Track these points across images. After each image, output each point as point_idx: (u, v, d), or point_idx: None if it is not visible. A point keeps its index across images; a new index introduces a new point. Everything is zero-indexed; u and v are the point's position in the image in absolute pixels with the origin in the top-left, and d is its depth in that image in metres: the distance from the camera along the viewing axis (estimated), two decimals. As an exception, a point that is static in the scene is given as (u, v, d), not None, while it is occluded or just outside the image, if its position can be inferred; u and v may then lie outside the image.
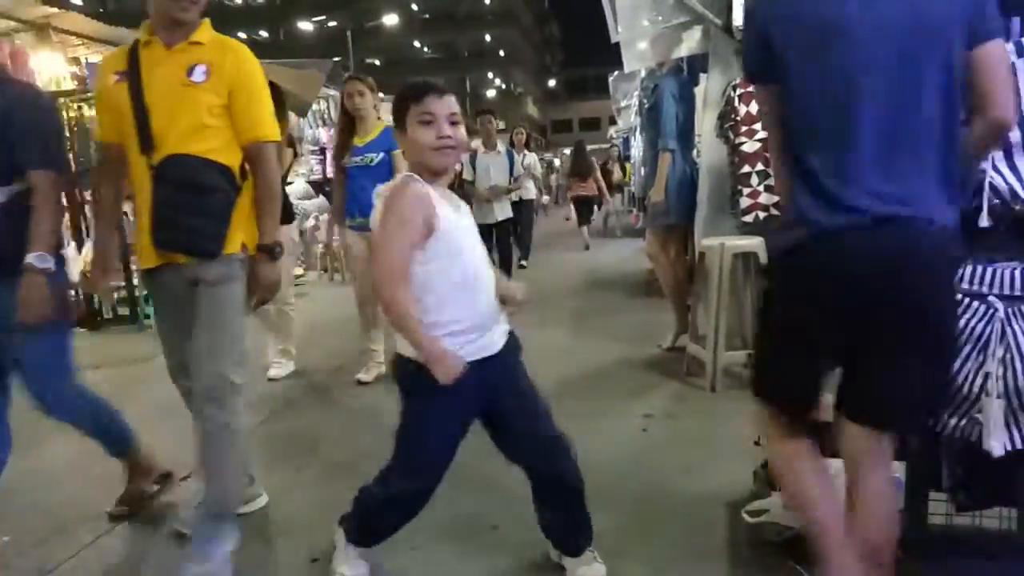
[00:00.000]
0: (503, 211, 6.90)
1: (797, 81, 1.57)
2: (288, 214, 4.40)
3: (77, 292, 6.57)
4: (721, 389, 3.86)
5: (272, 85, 4.22)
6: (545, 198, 17.51)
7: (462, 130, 1.94)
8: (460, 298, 1.89)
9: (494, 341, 1.97)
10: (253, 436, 3.57)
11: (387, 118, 5.74)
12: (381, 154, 4.19)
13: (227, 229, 2.23)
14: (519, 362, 2.08)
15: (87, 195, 6.60)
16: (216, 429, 2.23)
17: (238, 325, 2.31)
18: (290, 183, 7.77)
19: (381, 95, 4.43)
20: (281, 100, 4.26)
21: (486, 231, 6.80)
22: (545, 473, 2.11)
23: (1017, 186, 1.60)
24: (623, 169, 15.70)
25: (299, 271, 8.25)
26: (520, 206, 8.35)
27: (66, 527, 2.68)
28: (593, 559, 2.18)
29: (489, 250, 6.89)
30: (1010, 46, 1.61)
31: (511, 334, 2.05)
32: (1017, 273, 1.65)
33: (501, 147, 7.09)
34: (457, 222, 1.92)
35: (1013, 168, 1.61)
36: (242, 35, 50.40)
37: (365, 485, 2.09)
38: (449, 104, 1.92)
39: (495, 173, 6.84)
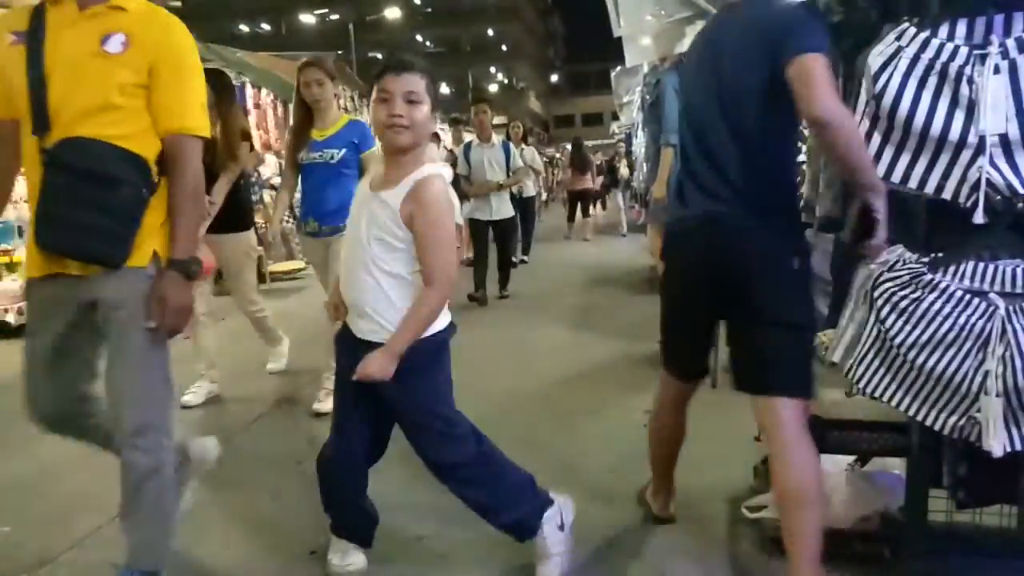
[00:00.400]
0: (503, 209, 6.58)
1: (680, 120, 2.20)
2: (247, 219, 4.16)
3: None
4: (722, 385, 3.84)
5: (218, 73, 4.00)
6: (544, 194, 17.44)
7: (421, 109, 1.89)
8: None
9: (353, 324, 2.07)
10: (251, 430, 3.59)
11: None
12: (343, 150, 3.64)
13: (134, 233, 1.82)
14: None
15: None
16: (142, 477, 1.92)
17: (160, 356, 1.92)
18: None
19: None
20: (228, 88, 3.99)
21: (483, 227, 6.59)
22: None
23: (1016, 183, 1.59)
24: (629, 166, 15.67)
25: (300, 264, 8.23)
26: (521, 203, 8.27)
27: (65, 518, 2.68)
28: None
29: (486, 247, 6.36)
30: (1011, 42, 1.60)
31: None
32: (1019, 271, 1.64)
33: (496, 139, 6.64)
34: (359, 190, 2.06)
35: (1012, 165, 1.60)
36: (244, 28, 50.62)
37: None
38: (407, 82, 1.87)
39: (490, 167, 6.45)
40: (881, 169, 1.70)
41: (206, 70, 3.83)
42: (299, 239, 4.16)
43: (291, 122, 3.98)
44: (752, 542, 2.31)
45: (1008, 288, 1.64)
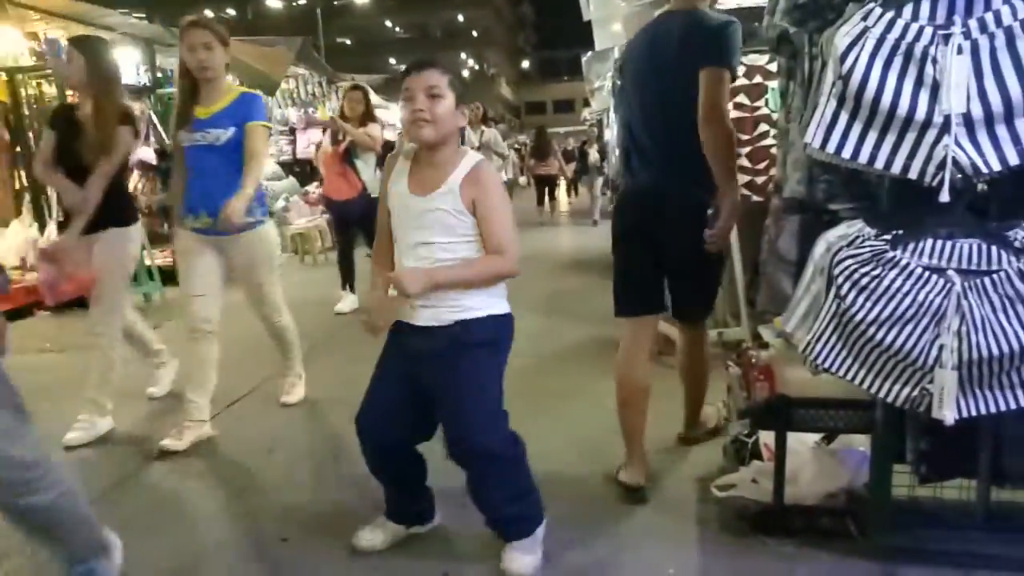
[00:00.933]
0: None
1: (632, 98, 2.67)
2: (129, 212, 3.43)
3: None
4: (692, 367, 3.89)
5: (95, 41, 3.14)
6: (523, 179, 17.37)
7: (443, 103, 1.94)
8: (396, 258, 2.12)
9: (412, 316, 2.07)
10: (222, 419, 3.54)
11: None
12: (231, 129, 3.06)
13: None
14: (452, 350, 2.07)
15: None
16: (40, 515, 1.83)
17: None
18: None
19: (298, 69, 3.83)
20: (101, 60, 3.20)
21: None
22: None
23: (979, 160, 1.61)
24: (600, 151, 15.67)
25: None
26: None
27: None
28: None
29: None
30: (973, 22, 1.62)
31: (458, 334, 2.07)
32: (975, 247, 1.68)
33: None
34: (400, 194, 2.07)
35: (975, 143, 1.63)
36: (208, 12, 49.63)
37: None
38: (427, 78, 1.94)
39: None
40: (848, 149, 1.72)
41: (78, 37, 3.51)
42: (176, 232, 3.27)
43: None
44: (721, 520, 2.34)
45: (964, 265, 1.68)
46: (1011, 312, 1.63)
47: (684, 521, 2.38)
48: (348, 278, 5.91)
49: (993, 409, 1.70)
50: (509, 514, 2.11)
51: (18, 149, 6.45)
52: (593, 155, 13.39)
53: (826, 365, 1.82)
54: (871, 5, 1.70)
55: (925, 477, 2.10)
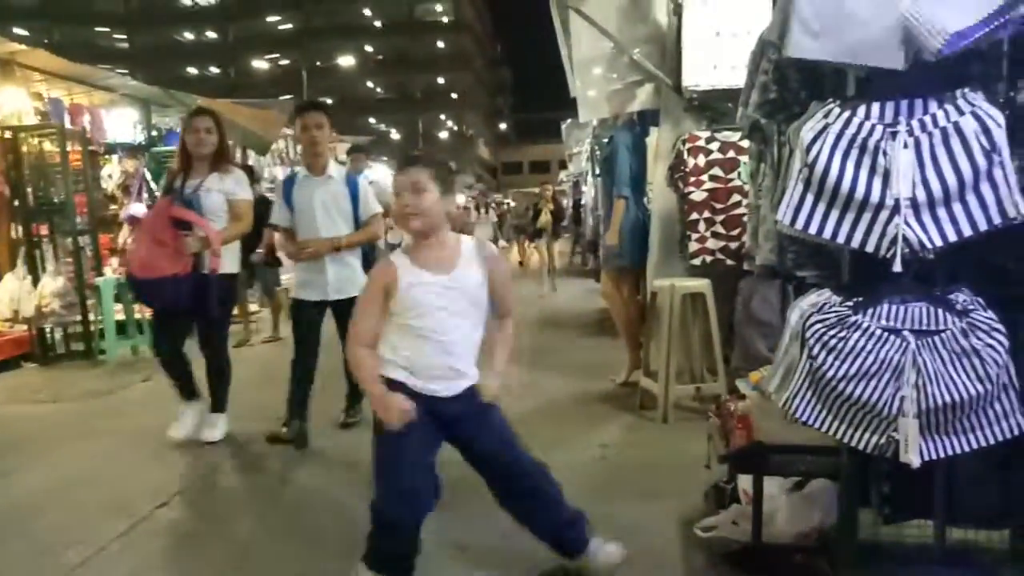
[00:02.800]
0: (346, 282, 3.96)
1: None
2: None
3: (29, 327, 6.53)
4: (672, 421, 4.11)
5: None
6: (502, 242, 17.52)
7: (427, 197, 2.19)
8: (415, 343, 2.25)
9: (448, 387, 2.30)
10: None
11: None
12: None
13: None
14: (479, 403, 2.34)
15: (43, 229, 6.60)
16: None
17: None
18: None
19: (287, 131, 4.42)
20: None
21: (313, 314, 4.03)
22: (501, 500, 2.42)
23: (924, 237, 1.89)
24: (576, 212, 16.06)
25: (254, 307, 8.23)
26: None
27: (52, 551, 2.74)
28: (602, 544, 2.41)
29: (317, 343, 4.02)
30: (915, 122, 1.92)
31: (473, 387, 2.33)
32: (924, 310, 1.94)
33: (335, 169, 4.09)
34: (424, 283, 2.24)
35: (920, 222, 1.91)
36: (192, 71, 50.43)
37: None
38: (412, 175, 2.21)
39: (324, 213, 3.94)
40: (814, 226, 1.99)
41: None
42: None
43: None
44: (704, 560, 2.53)
45: (917, 326, 1.94)
46: (959, 365, 1.88)
47: (670, 560, 2.57)
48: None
49: (952, 452, 1.94)
50: (565, 519, 2.40)
51: (16, 203, 6.59)
52: (544, 217, 12.42)
53: (804, 418, 2.05)
54: (831, 105, 2.00)
55: (888, 518, 2.33)
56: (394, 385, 2.24)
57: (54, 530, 2.91)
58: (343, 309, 3.77)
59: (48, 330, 6.61)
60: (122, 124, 8.29)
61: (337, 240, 3.91)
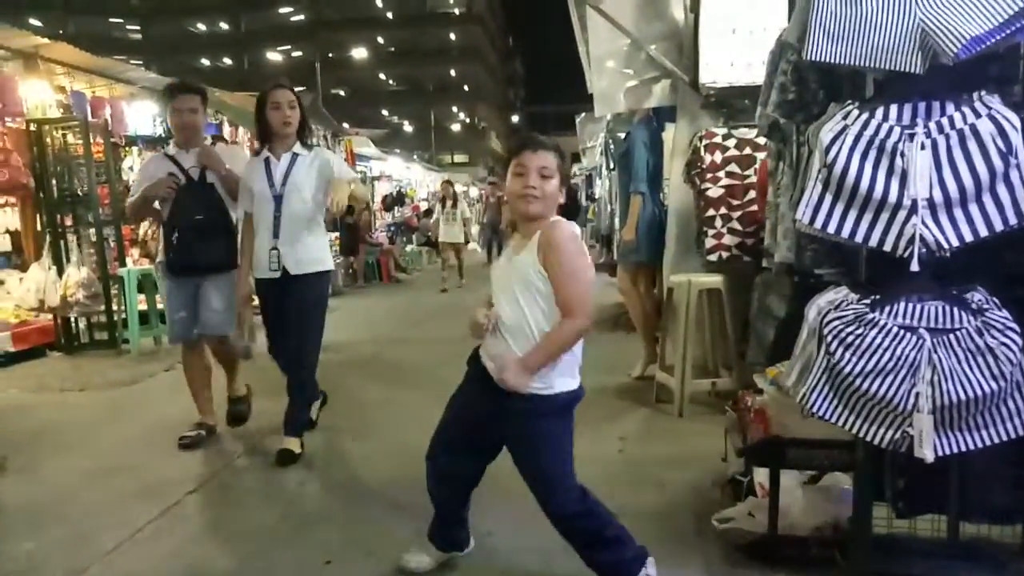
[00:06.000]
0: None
1: None
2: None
3: (54, 316, 6.65)
4: (688, 414, 4.17)
5: None
6: (472, 244, 15.12)
7: (552, 183, 2.14)
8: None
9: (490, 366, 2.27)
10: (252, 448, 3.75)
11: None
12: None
13: None
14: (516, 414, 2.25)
15: (67, 220, 6.72)
16: None
17: None
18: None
19: (348, 126, 4.39)
20: None
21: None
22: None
23: (941, 237, 1.93)
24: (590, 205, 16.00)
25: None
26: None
27: (88, 535, 2.83)
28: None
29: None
30: (932, 124, 1.96)
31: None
32: (941, 309, 1.99)
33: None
34: (499, 265, 2.30)
35: (937, 223, 1.95)
36: (205, 62, 50.63)
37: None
38: (542, 159, 2.14)
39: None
40: (832, 225, 2.04)
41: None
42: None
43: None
44: (720, 551, 2.59)
45: (933, 324, 1.98)
46: (973, 363, 1.93)
47: (688, 551, 2.62)
48: None
49: (965, 448, 1.98)
50: (606, 562, 2.24)
51: (41, 195, 6.70)
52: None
53: (820, 413, 2.10)
54: (850, 107, 2.04)
55: (901, 513, 2.39)
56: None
57: (88, 515, 3.00)
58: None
59: (73, 320, 6.73)
60: (142, 117, 8.39)
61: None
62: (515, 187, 2.14)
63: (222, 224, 3.87)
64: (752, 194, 4.38)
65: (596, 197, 15.97)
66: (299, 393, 3.72)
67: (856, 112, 2.03)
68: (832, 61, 2.02)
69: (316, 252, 3.67)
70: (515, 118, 68.95)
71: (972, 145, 1.93)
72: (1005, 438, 1.98)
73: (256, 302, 3.85)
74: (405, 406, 4.57)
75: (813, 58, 2.04)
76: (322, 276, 3.72)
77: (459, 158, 49.99)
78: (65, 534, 2.84)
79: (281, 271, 3.57)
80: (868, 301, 2.04)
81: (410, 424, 4.25)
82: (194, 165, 3.84)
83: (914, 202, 1.96)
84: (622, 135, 5.28)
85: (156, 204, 3.90)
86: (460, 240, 11.43)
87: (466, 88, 53.77)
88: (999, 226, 1.93)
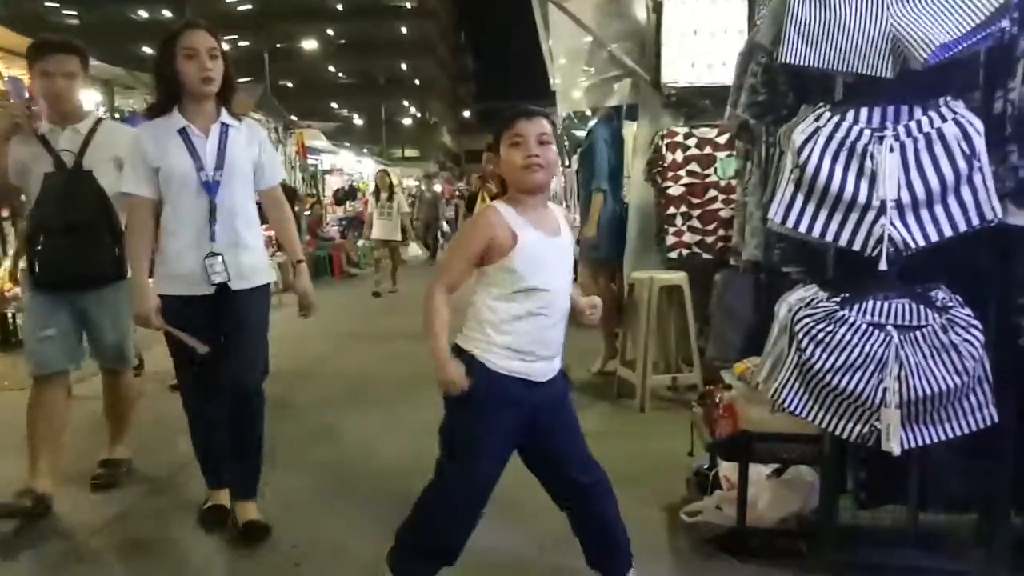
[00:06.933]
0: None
1: None
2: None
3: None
4: (649, 409, 4.22)
5: None
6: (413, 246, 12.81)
7: (552, 149, 2.01)
8: (530, 317, 1.99)
9: (551, 367, 2.07)
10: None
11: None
12: None
13: None
14: (566, 395, 2.18)
15: (3, 212, 6.42)
16: None
17: None
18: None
19: (255, 115, 3.21)
20: None
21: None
22: (577, 510, 2.22)
23: (908, 237, 2.00)
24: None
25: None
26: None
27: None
28: None
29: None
30: (901, 128, 2.02)
31: (562, 372, 2.13)
32: (907, 306, 2.05)
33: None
34: (544, 243, 2.01)
35: (904, 223, 2.01)
36: (147, 50, 49.01)
37: (418, 499, 2.09)
38: (539, 125, 2.00)
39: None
40: (804, 225, 2.08)
41: None
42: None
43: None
44: (689, 544, 2.63)
45: (899, 321, 2.05)
46: (938, 359, 2.00)
47: (657, 543, 2.66)
48: None
49: (930, 441, 2.05)
50: (623, 538, 2.23)
51: (-24, 186, 6.38)
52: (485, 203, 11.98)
53: (792, 408, 2.15)
54: (822, 109, 2.09)
55: (864, 504, 2.47)
56: (498, 380, 1.98)
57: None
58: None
59: (10, 315, 6.44)
60: (85, 105, 8.06)
61: None
62: (515, 158, 1.99)
63: (106, 224, 3.01)
64: (712, 193, 4.46)
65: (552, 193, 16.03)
66: (250, 431, 2.79)
67: (828, 114, 2.08)
68: (806, 64, 2.07)
69: (260, 257, 2.82)
70: (466, 113, 68.76)
71: (938, 148, 2.00)
72: (967, 431, 2.06)
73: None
74: (366, 411, 4.51)
75: (788, 61, 2.08)
76: (266, 289, 2.85)
77: (410, 152, 49.56)
78: (30, 534, 2.74)
79: (221, 283, 2.65)
80: (838, 299, 2.10)
81: (376, 429, 4.22)
82: (67, 148, 3.00)
83: (883, 203, 2.02)
84: (578, 132, 5.31)
85: (20, 194, 3.12)
86: (396, 237, 10.06)
87: (417, 82, 53.39)
88: (963, 227, 2.01)
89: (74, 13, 49.45)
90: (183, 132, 2.63)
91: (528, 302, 1.98)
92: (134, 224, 2.66)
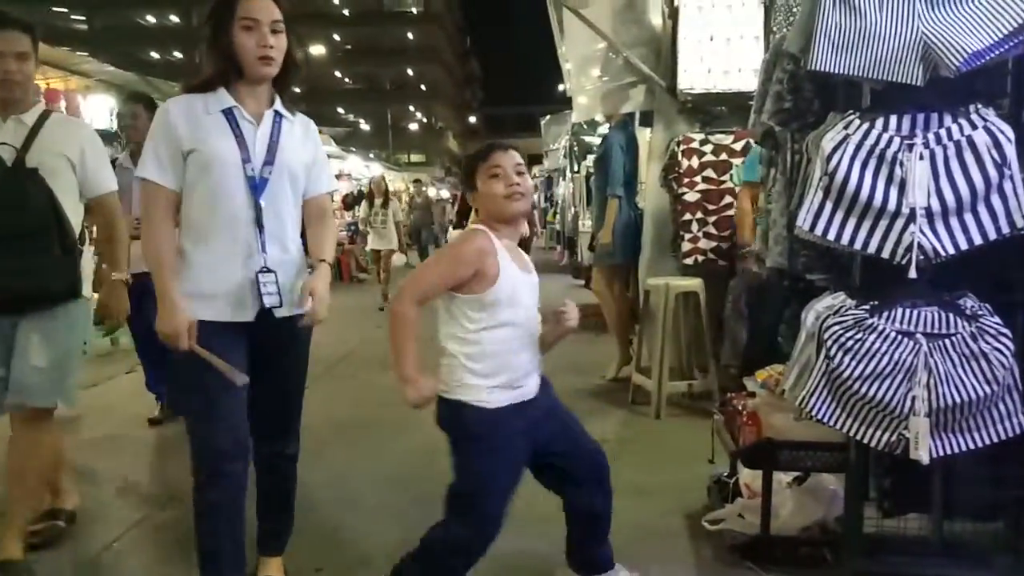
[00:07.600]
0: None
1: None
2: None
3: None
4: (665, 416, 4.21)
5: None
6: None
7: (528, 179, 2.15)
8: (505, 340, 2.09)
9: (535, 381, 2.21)
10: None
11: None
12: None
13: None
14: (553, 397, 2.30)
15: None
16: None
17: None
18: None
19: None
20: None
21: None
22: (578, 500, 2.28)
23: (938, 245, 1.99)
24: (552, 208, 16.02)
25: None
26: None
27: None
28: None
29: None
30: (931, 135, 2.02)
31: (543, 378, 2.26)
32: (936, 314, 2.05)
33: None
34: (520, 278, 2.14)
35: (934, 231, 2.01)
36: (155, 55, 49.26)
37: (425, 536, 2.08)
38: (515, 157, 2.12)
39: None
40: (832, 232, 2.08)
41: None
42: None
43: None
44: (712, 552, 2.62)
45: (929, 329, 2.04)
46: (967, 368, 1.99)
47: (680, 551, 2.65)
48: None
49: (959, 449, 2.04)
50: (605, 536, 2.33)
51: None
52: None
53: (819, 416, 2.14)
54: (851, 117, 2.08)
55: (889, 512, 2.45)
56: (500, 416, 2.05)
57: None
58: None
59: None
60: (98, 111, 8.11)
61: None
62: (496, 189, 2.08)
63: (56, 233, 2.49)
64: (728, 199, 4.46)
65: (555, 200, 16.10)
66: (286, 483, 2.42)
67: (857, 122, 2.07)
68: (837, 71, 2.06)
69: (304, 275, 2.26)
70: (472, 119, 68.92)
71: (968, 156, 1.99)
72: (997, 440, 2.05)
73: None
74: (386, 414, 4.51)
75: (817, 68, 2.08)
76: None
77: (416, 158, 49.67)
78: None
79: (260, 309, 2.13)
80: (867, 307, 2.09)
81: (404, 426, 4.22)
82: (8, 142, 2.50)
83: (912, 210, 2.01)
84: (588, 138, 5.32)
85: None
86: (392, 247, 9.51)
87: (423, 88, 53.48)
88: (992, 235, 2.00)
89: (82, 18, 49.72)
90: (229, 113, 2.13)
91: (500, 331, 2.07)
92: (154, 218, 2.09)
